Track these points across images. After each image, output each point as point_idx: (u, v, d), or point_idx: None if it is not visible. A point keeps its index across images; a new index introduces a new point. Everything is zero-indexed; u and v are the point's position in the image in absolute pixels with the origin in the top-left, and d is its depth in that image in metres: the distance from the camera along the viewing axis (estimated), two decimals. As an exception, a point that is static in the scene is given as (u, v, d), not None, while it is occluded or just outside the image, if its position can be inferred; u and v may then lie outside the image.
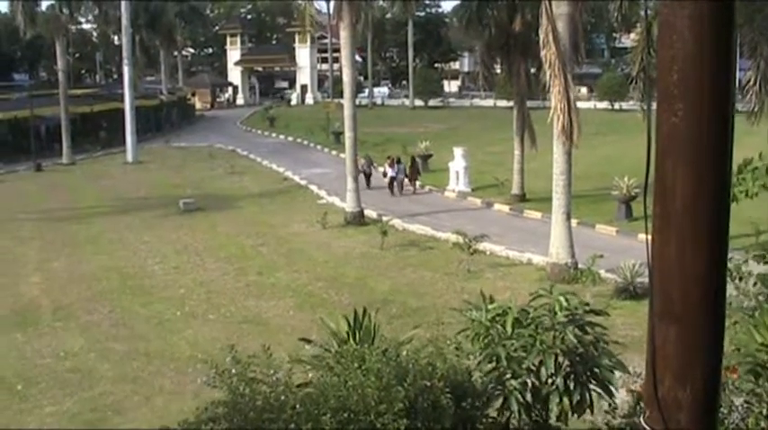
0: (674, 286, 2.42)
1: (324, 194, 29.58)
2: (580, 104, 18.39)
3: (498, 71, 27.89)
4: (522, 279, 17.46)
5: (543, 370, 5.35)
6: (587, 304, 5.87)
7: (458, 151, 29.70)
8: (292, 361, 5.66)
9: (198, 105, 70.92)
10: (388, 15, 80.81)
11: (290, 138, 49.25)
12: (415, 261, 19.76)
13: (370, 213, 25.12)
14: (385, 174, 30.19)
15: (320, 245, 21.71)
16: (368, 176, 29.71)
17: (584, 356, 5.50)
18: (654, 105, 2.51)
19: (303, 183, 32.51)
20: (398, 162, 29.87)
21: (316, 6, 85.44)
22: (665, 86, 2.37)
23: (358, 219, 24.33)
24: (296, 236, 22.99)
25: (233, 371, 4.84)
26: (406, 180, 29.74)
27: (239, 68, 79.54)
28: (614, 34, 63.03)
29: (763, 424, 4.84)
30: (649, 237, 2.51)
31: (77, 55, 69.10)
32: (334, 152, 40.99)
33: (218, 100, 78.14)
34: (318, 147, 44.55)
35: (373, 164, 31.58)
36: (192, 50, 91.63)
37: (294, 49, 77.76)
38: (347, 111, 25.04)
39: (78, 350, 13.77)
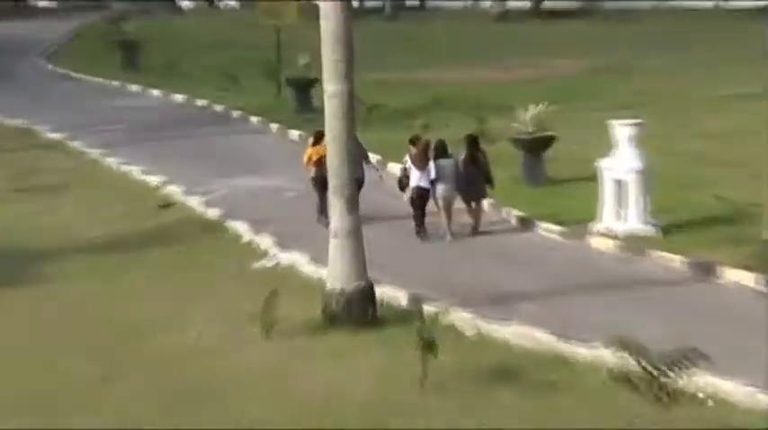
0: None
1: (268, 244, 29.44)
2: None
3: None
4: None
5: None
6: None
7: (622, 132, 29.57)
8: None
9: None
10: None
11: (181, 97, 51.39)
12: (509, 422, 18.59)
13: (388, 294, 24.47)
14: (402, 184, 30.35)
15: (263, 380, 20.95)
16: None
17: None
18: None
19: (214, 214, 32.60)
20: (443, 153, 30.15)
21: None
22: None
23: (359, 309, 23.45)
24: (197, 355, 22.41)
25: None
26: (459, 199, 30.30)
27: None
28: None
29: None
30: None
31: None
32: (295, 133, 41.90)
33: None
34: (254, 119, 45.81)
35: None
36: None
37: None
38: (327, 26, 23.91)
39: None
